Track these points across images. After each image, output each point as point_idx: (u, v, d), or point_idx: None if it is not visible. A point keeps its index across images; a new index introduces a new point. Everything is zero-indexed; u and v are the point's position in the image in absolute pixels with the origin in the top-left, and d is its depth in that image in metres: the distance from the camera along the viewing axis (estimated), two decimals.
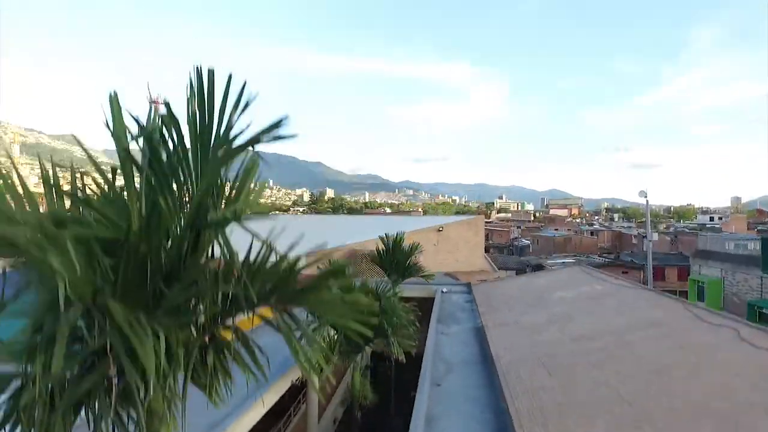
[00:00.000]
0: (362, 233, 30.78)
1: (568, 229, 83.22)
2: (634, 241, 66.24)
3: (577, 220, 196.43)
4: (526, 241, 67.54)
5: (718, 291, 27.67)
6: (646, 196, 33.44)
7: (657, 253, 45.74)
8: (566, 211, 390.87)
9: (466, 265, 28.44)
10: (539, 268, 43.52)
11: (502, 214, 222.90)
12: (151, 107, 3.95)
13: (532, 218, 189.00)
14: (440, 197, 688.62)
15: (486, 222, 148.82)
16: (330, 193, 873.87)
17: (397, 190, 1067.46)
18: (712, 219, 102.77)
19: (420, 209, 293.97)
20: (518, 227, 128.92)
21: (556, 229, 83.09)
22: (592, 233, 69.31)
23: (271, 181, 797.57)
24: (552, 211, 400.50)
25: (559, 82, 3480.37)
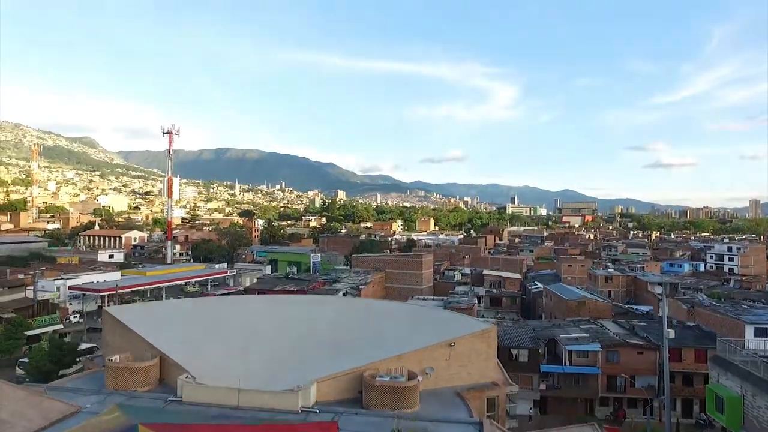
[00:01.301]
0: (355, 341, 30.50)
1: (582, 266, 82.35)
2: (649, 288, 65.20)
3: (591, 235, 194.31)
4: (538, 286, 66.83)
5: (738, 409, 26.93)
6: (663, 297, 32.81)
7: (673, 324, 44.81)
8: (580, 217, 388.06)
9: (478, 376, 28.03)
10: (553, 342, 42.96)
11: (515, 228, 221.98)
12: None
13: (545, 234, 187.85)
14: (452, 201, 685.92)
15: (497, 244, 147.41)
16: (341, 195, 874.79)
17: (408, 191, 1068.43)
18: (730, 249, 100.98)
19: (431, 219, 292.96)
20: (530, 251, 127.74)
21: (570, 266, 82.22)
22: (606, 279, 68.48)
23: (283, 183, 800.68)
24: (565, 218, 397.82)
25: (574, 82, 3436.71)
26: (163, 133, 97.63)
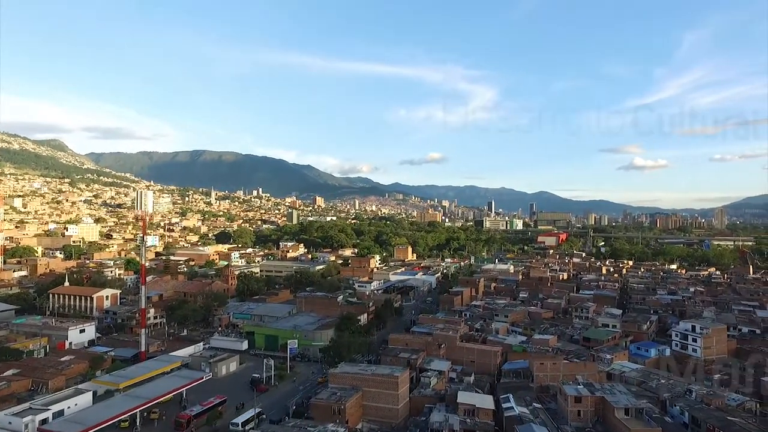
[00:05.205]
0: None
1: (554, 363, 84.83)
2: (616, 414, 67.77)
3: (564, 274, 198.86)
4: (511, 406, 68.68)
5: None
6: None
7: None
8: (555, 237, 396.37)
9: None
10: None
11: (490, 266, 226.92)
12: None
13: (520, 278, 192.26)
14: (430, 211, 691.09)
15: (473, 304, 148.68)
16: (320, 201, 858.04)
17: (387, 195, 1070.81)
18: (693, 329, 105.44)
19: (408, 247, 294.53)
20: (505, 316, 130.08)
21: (542, 363, 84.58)
22: (576, 399, 71.11)
23: (260, 189, 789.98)
24: (540, 237, 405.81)
25: (552, 85, 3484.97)
26: (137, 219, 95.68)
